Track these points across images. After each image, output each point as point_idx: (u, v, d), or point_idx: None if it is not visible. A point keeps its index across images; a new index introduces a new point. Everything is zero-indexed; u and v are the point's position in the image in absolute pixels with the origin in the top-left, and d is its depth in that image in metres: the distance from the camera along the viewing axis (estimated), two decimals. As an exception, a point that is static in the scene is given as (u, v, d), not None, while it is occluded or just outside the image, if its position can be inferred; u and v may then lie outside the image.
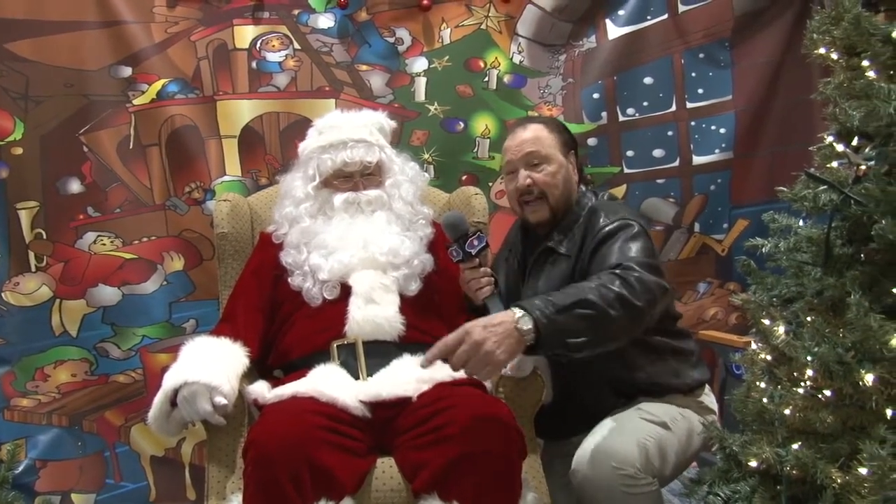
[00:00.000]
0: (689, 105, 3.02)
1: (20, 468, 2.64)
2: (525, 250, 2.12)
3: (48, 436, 2.69)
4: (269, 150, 2.77)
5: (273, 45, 2.80)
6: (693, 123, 3.01)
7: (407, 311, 1.98)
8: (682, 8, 3.00)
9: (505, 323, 1.56)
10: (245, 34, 2.78)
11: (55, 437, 2.70)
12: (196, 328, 2.72)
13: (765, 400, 1.66)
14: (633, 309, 1.66)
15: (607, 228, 1.88)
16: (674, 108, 3.01)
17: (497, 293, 1.90)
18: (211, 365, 1.83)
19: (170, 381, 1.81)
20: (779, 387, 1.68)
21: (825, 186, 1.64)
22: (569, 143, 2.05)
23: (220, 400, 1.77)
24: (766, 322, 1.72)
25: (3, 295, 2.64)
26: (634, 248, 1.81)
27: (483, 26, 2.89)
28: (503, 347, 1.53)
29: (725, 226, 3.03)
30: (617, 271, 1.71)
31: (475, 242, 1.92)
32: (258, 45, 2.79)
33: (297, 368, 1.92)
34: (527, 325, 1.57)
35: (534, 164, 2.01)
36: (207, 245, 2.70)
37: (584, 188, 2.07)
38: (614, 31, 2.97)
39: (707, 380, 2.06)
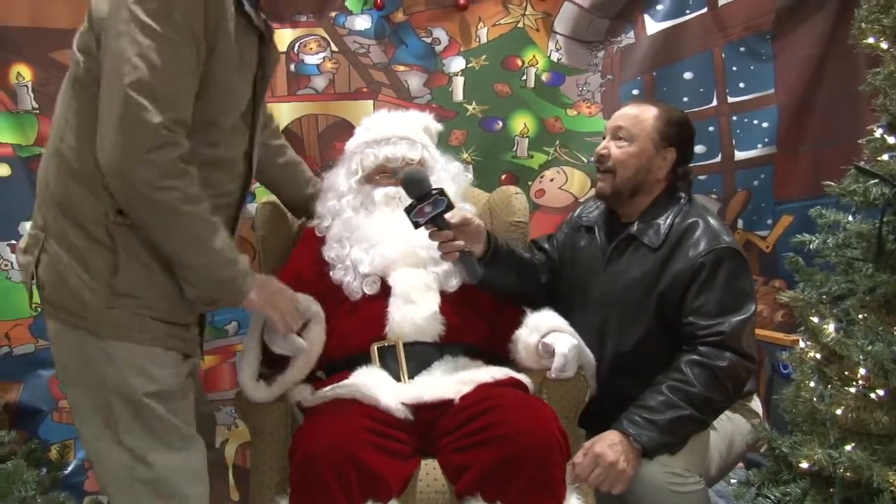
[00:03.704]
0: (731, 99, 2.96)
1: (69, 468, 2.68)
2: (609, 231, 2.11)
3: (96, 437, 2.73)
4: (309, 152, 2.78)
5: (311, 48, 2.81)
6: (735, 118, 2.95)
7: (447, 310, 1.98)
8: (721, 1, 2.95)
9: (623, 442, 1.77)
10: (283, 38, 2.79)
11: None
12: (238, 330, 2.73)
13: (815, 400, 1.63)
14: (722, 407, 1.89)
15: (711, 254, 1.91)
16: (715, 102, 2.96)
17: (467, 256, 1.88)
18: None
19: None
20: (829, 386, 1.65)
21: (876, 180, 1.61)
22: (672, 137, 2.04)
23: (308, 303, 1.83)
24: (815, 320, 1.69)
25: (51, 299, 2.69)
26: (734, 302, 1.88)
27: (520, 24, 2.87)
28: (630, 463, 1.76)
29: (770, 222, 2.97)
30: (712, 363, 1.82)
31: (428, 208, 1.83)
32: (296, 48, 2.80)
33: (340, 370, 1.93)
34: (636, 445, 1.78)
35: (618, 138, 2.05)
36: (249, 248, 2.71)
37: (679, 188, 2.07)
38: (653, 26, 2.92)
39: (755, 389, 2.06)
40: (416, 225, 1.83)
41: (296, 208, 2.37)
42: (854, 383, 1.56)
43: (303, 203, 2.32)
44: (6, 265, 2.65)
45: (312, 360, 1.88)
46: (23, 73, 2.63)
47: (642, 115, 2.05)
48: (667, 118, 2.05)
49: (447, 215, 1.86)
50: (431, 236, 1.87)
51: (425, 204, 1.82)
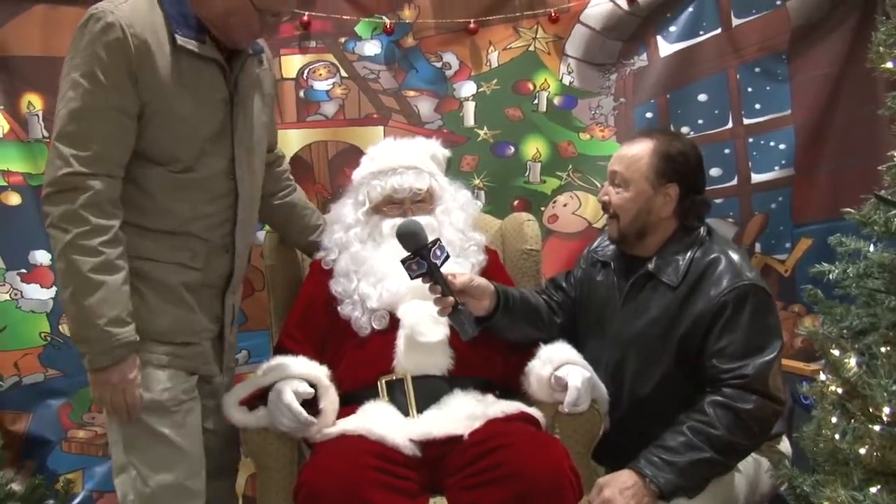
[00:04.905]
0: (746, 121, 2.91)
1: (77, 499, 2.66)
2: (626, 267, 2.05)
3: (104, 467, 2.70)
4: (318, 179, 2.76)
5: (320, 74, 2.80)
6: (751, 140, 2.91)
7: (457, 344, 1.94)
8: (735, 21, 2.91)
9: (637, 483, 1.73)
10: (292, 64, 2.78)
11: (111, 469, 2.72)
12: (248, 359, 2.71)
13: (837, 437, 1.57)
14: (747, 451, 1.84)
15: (733, 292, 1.85)
16: (730, 124, 2.91)
17: (459, 311, 1.81)
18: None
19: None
20: (852, 421, 1.59)
21: (897, 210, 1.56)
22: (670, 173, 1.95)
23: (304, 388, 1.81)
24: (836, 353, 1.64)
25: (60, 328, 2.68)
26: (759, 342, 1.83)
27: (531, 48, 2.85)
28: None
29: (788, 245, 2.92)
30: (736, 405, 1.77)
31: (420, 262, 1.78)
32: (305, 74, 2.79)
33: (347, 404, 1.90)
34: (652, 486, 1.74)
35: (615, 183, 2.01)
36: (258, 276, 2.70)
37: (692, 220, 1.99)
38: (666, 48, 2.89)
39: (783, 431, 2.00)
40: (411, 277, 1.80)
41: (305, 253, 2.38)
42: (878, 420, 1.50)
43: (309, 250, 2.32)
44: (16, 294, 2.64)
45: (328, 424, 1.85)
46: (34, 102, 2.64)
47: (637, 155, 1.97)
48: (663, 153, 1.96)
49: (448, 271, 1.83)
50: (429, 290, 1.83)
51: (419, 257, 1.78)
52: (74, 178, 1.65)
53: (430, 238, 1.80)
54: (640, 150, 1.98)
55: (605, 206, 2.03)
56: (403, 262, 1.79)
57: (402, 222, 1.86)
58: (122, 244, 1.70)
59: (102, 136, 1.67)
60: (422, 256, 1.77)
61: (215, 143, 1.82)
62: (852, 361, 1.56)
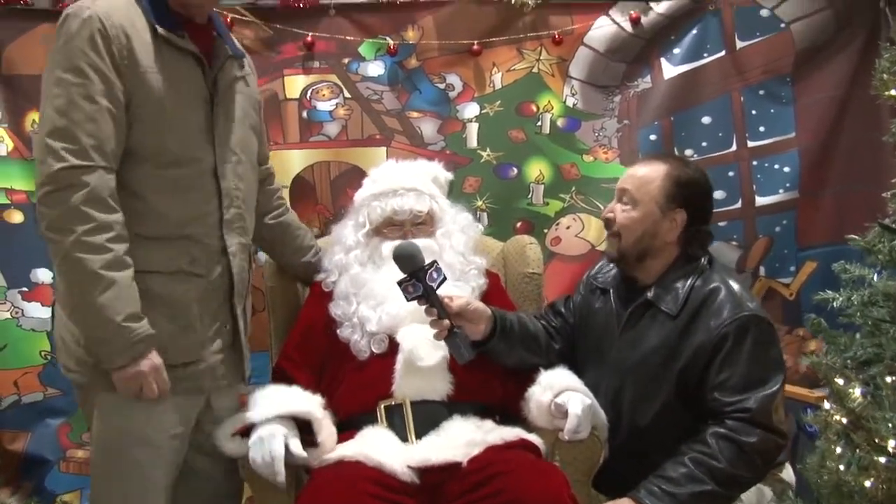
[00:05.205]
0: (751, 144, 2.91)
1: (75, 520, 2.65)
2: (625, 294, 2.02)
3: (103, 488, 2.69)
4: (321, 200, 2.76)
5: (323, 94, 2.80)
6: (755, 163, 2.90)
7: (457, 368, 1.92)
8: (739, 44, 2.91)
9: None
10: (295, 84, 2.78)
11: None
12: (249, 380, 2.69)
13: (842, 469, 1.55)
14: (749, 484, 1.81)
15: (734, 323, 1.82)
16: (734, 147, 2.91)
17: (455, 334, 1.80)
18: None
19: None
20: (857, 451, 1.56)
21: (902, 239, 1.54)
22: (678, 198, 1.93)
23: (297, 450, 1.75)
24: (840, 382, 1.62)
25: (60, 347, 2.67)
26: (761, 375, 1.79)
27: (535, 69, 2.85)
28: None
29: (792, 269, 2.90)
30: (739, 438, 1.75)
31: (416, 285, 1.77)
32: (308, 94, 2.79)
33: (345, 429, 1.88)
34: None
35: (623, 201, 1.98)
36: (259, 296, 2.69)
37: (695, 249, 1.97)
38: (670, 70, 2.89)
39: (786, 459, 1.97)
40: (407, 300, 1.79)
41: (296, 276, 2.35)
42: (884, 452, 1.48)
43: (302, 271, 2.30)
44: (17, 312, 2.64)
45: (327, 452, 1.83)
46: (38, 120, 2.64)
47: (649, 176, 1.95)
48: (676, 178, 1.94)
49: (445, 293, 1.82)
50: (425, 312, 1.81)
51: (416, 279, 1.77)
52: (70, 172, 1.60)
53: (428, 260, 1.79)
54: (653, 171, 1.96)
55: (609, 223, 2.00)
56: (400, 283, 1.78)
57: (400, 244, 1.85)
58: (127, 241, 1.66)
59: (94, 127, 1.63)
60: (418, 279, 1.76)
61: (199, 141, 1.80)
62: (857, 392, 1.55)
